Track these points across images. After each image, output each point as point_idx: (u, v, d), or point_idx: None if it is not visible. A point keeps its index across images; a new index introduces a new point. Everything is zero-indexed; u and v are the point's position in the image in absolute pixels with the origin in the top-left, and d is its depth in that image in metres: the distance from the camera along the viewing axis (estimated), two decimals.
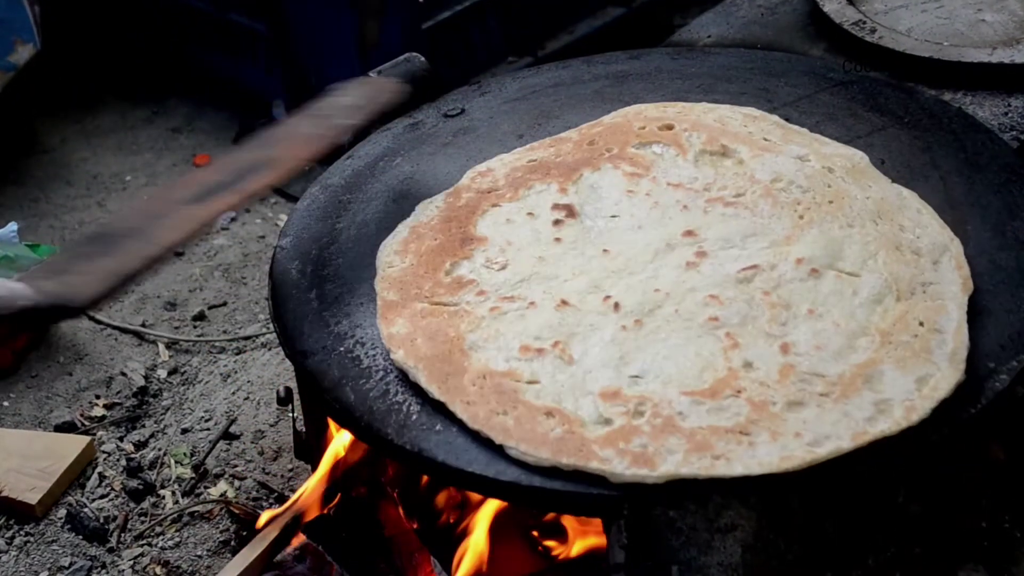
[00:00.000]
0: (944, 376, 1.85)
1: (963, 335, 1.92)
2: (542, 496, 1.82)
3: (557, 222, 2.23)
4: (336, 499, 2.48)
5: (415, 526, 2.39)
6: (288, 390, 2.39)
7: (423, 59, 2.74)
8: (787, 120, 2.43)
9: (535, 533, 2.31)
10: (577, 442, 1.80)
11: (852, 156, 2.30)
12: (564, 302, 2.05)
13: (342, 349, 2.08)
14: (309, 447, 2.48)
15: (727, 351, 1.92)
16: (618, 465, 1.76)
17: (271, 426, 3.05)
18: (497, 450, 1.84)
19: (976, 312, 1.98)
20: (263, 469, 2.93)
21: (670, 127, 2.41)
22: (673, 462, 1.76)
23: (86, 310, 1.79)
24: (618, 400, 1.86)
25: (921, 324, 1.94)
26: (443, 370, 1.95)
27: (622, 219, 2.23)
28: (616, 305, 2.03)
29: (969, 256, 2.07)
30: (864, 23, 2.83)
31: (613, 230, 2.21)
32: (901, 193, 2.21)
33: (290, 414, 2.89)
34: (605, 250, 2.16)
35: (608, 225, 2.22)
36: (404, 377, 1.98)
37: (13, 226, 3.57)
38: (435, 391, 1.92)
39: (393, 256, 2.20)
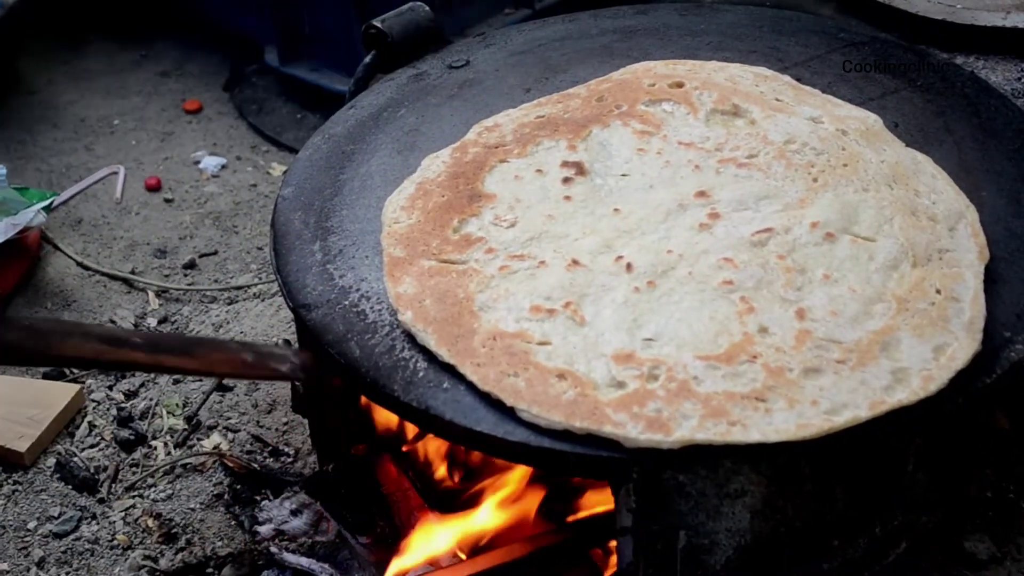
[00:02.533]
0: (961, 346, 1.83)
1: (980, 304, 1.90)
2: (550, 458, 1.79)
3: (567, 180, 2.20)
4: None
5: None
6: (287, 343, 2.36)
7: (427, 8, 2.70)
8: (799, 80, 2.40)
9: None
10: (590, 405, 1.78)
11: (866, 119, 2.27)
12: (575, 262, 2.02)
13: (347, 303, 2.05)
14: (306, 401, 2.45)
15: (742, 315, 1.90)
16: (632, 430, 1.74)
17: None
18: (505, 410, 1.82)
19: (991, 280, 1.96)
20: (257, 422, 2.90)
21: (680, 85, 2.38)
22: (688, 427, 1.73)
23: None
24: (631, 363, 1.84)
25: (938, 291, 1.92)
26: (452, 332, 1.92)
27: (633, 178, 2.19)
28: (629, 266, 2.00)
29: (984, 223, 2.05)
30: None
31: (624, 189, 2.18)
32: (916, 157, 2.19)
33: None
34: (616, 209, 2.12)
35: (619, 184, 2.19)
36: (412, 334, 1.96)
37: (1, 169, 3.52)
38: (445, 354, 1.89)
39: (399, 212, 2.17)
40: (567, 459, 1.79)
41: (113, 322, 3.25)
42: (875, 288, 1.93)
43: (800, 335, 1.86)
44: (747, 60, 2.49)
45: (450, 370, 1.89)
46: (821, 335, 1.86)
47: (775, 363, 1.81)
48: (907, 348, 1.83)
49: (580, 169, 2.22)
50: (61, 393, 2.97)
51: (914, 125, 2.30)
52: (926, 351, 1.82)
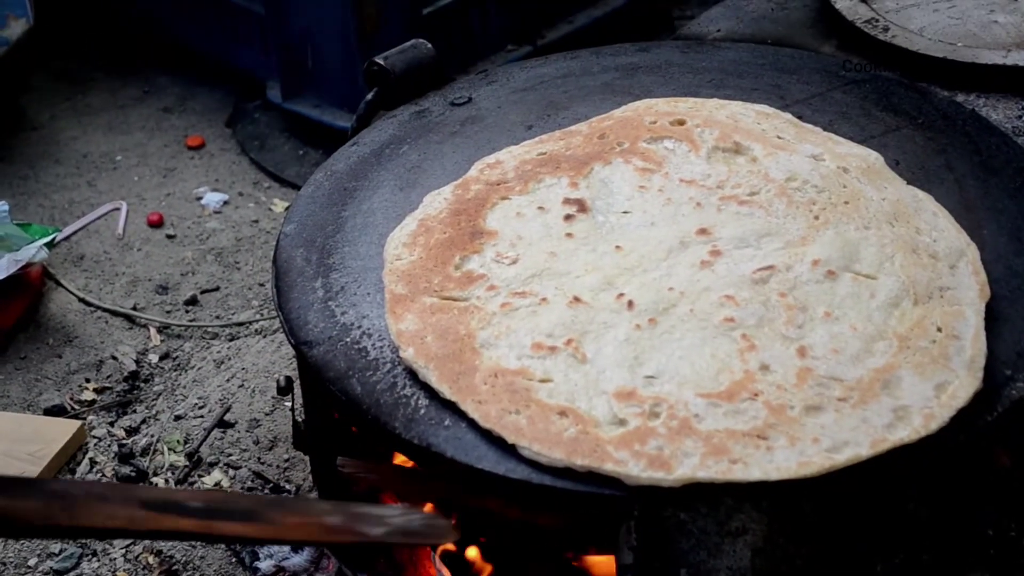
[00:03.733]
0: (962, 384, 1.83)
1: (981, 342, 1.90)
2: (552, 496, 1.80)
3: (568, 217, 2.20)
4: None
5: None
6: (288, 379, 2.35)
7: (429, 46, 2.71)
8: (800, 118, 2.41)
9: None
10: (592, 443, 1.78)
11: (867, 156, 2.28)
12: (577, 299, 2.02)
13: (348, 340, 2.06)
14: (308, 438, 2.44)
15: (743, 353, 1.90)
16: (634, 467, 1.74)
17: (266, 415, 3.01)
18: (507, 448, 1.82)
19: (992, 318, 1.97)
20: (258, 459, 2.89)
21: (682, 122, 2.38)
22: (690, 465, 1.74)
23: None
24: (633, 400, 1.84)
25: (939, 329, 1.92)
26: (454, 369, 1.92)
27: (634, 215, 2.20)
28: (630, 303, 2.00)
29: (985, 261, 2.05)
30: (877, 21, 2.81)
31: (625, 226, 2.18)
32: (917, 195, 2.19)
33: (288, 404, 2.87)
34: (618, 247, 2.13)
35: (620, 221, 2.19)
36: (413, 371, 1.96)
37: (4, 205, 3.53)
38: (446, 391, 1.90)
39: (401, 248, 2.17)
40: (570, 497, 1.79)
41: (115, 358, 3.25)
42: (876, 326, 1.93)
43: (801, 373, 1.86)
44: (749, 98, 2.49)
45: (451, 407, 1.89)
46: (822, 373, 1.86)
47: (776, 401, 1.82)
48: (908, 386, 1.83)
49: (582, 206, 2.22)
50: (62, 429, 2.96)
51: (915, 163, 2.31)
52: (927, 389, 1.82)
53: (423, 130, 2.54)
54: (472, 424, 1.86)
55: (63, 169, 4.22)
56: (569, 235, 2.16)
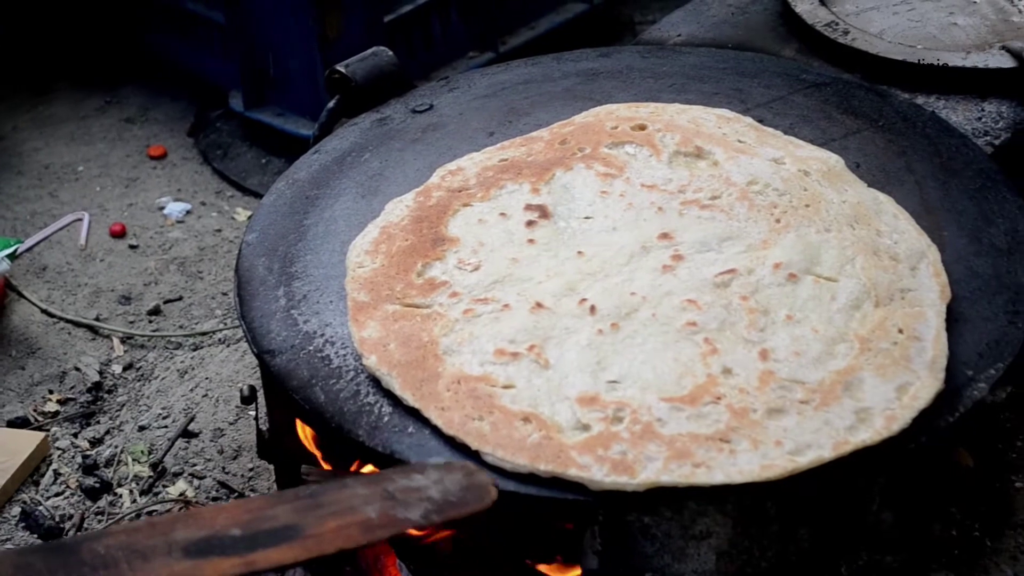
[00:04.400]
0: (924, 385, 1.84)
1: (942, 343, 1.91)
2: (515, 501, 1.79)
3: (530, 223, 2.20)
4: None
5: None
6: (252, 388, 2.34)
7: (391, 53, 2.71)
8: (761, 121, 2.42)
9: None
10: (555, 448, 1.78)
11: (827, 159, 2.28)
12: (539, 304, 2.02)
13: (311, 348, 2.05)
14: (272, 447, 2.43)
15: (705, 357, 1.90)
16: (597, 472, 1.74)
17: (230, 424, 3.00)
18: (471, 454, 1.82)
19: (953, 319, 1.97)
20: (223, 468, 2.88)
21: (643, 127, 2.39)
22: (653, 469, 1.73)
23: None
24: (596, 406, 1.84)
25: (900, 331, 1.92)
26: (417, 376, 1.92)
27: (596, 220, 2.20)
28: (592, 308, 2.00)
29: (946, 262, 2.06)
30: (836, 24, 2.82)
31: (587, 231, 2.18)
32: (877, 197, 2.20)
33: (252, 413, 2.86)
34: (580, 252, 2.13)
35: (582, 226, 2.19)
36: (376, 378, 1.95)
37: None
38: (409, 398, 1.89)
39: (363, 256, 2.16)
40: (533, 503, 1.78)
41: (78, 369, 3.23)
42: (837, 328, 1.94)
43: (764, 376, 1.86)
44: (710, 102, 2.50)
45: (415, 414, 1.89)
46: (784, 376, 1.86)
47: (739, 404, 1.82)
48: (870, 388, 1.83)
49: (543, 212, 2.22)
50: (26, 441, 2.94)
51: (876, 165, 2.32)
52: (889, 391, 1.83)
53: (385, 137, 2.54)
54: (436, 431, 1.86)
55: (25, 180, 4.20)
56: (531, 241, 2.16)
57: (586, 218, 2.21)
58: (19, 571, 1.58)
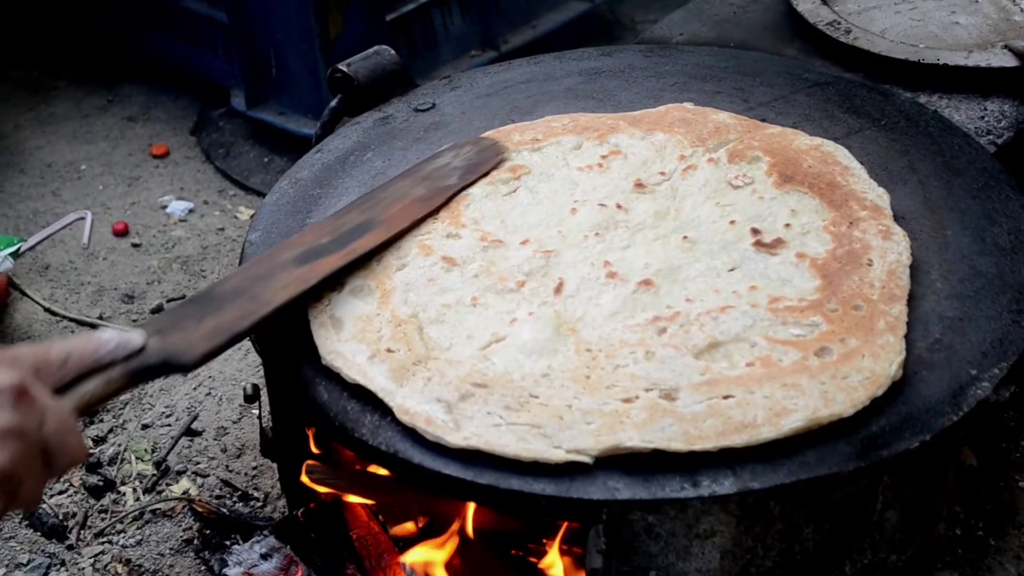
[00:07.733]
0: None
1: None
2: (521, 500, 1.78)
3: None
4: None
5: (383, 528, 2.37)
6: (255, 387, 2.34)
7: (393, 52, 2.71)
8: (764, 120, 2.41)
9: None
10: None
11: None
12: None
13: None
14: (275, 445, 2.44)
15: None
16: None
17: (234, 423, 3.01)
18: (475, 453, 1.81)
19: (958, 318, 1.97)
20: (226, 466, 2.89)
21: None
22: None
23: (193, 368, 1.75)
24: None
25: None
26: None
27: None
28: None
29: (949, 261, 2.06)
30: (839, 23, 2.82)
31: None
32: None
33: (256, 412, 2.86)
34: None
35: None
36: None
37: None
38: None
39: None
40: (538, 501, 1.78)
41: None
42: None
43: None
44: (712, 101, 2.49)
45: None
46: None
47: None
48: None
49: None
50: None
51: (879, 164, 2.31)
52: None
53: (387, 136, 2.54)
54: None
55: (27, 179, 4.20)
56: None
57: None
58: (180, 319, 1.82)
